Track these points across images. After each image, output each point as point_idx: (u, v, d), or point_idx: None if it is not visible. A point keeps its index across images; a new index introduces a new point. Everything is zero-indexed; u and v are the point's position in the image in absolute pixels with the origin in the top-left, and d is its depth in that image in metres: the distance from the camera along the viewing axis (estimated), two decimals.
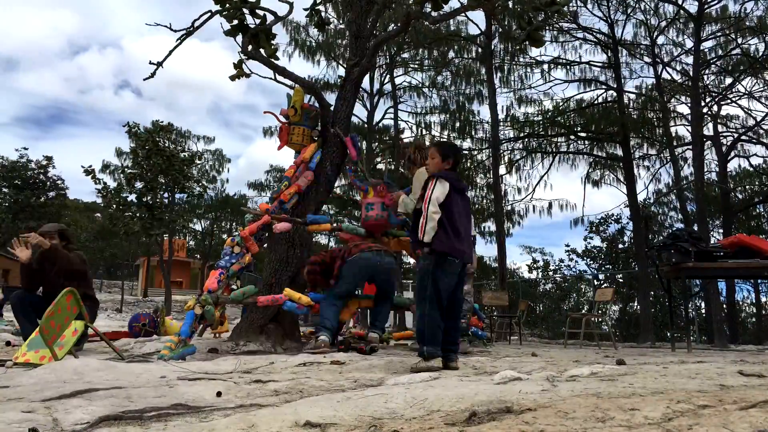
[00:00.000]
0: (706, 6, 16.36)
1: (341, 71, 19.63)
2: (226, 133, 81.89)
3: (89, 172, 19.32)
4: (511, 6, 14.15)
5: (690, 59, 17.29)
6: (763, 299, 22.98)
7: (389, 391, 2.23)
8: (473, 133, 20.27)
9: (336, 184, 8.12)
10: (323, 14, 7.66)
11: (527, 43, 5.66)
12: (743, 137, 18.71)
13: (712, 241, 10.05)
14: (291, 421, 1.81)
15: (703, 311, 18.83)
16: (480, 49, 18.64)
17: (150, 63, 6.18)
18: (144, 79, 6.21)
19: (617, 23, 18.03)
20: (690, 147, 17.51)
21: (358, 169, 6.33)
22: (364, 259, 5.24)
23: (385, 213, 5.73)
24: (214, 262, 7.64)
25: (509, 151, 18.97)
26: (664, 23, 17.92)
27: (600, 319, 10.35)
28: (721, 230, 20.14)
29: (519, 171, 19.38)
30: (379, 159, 20.71)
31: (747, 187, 20.77)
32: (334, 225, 5.86)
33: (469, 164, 19.95)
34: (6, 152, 41.35)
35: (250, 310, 5.71)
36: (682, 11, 17.17)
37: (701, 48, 16.77)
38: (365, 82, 20.32)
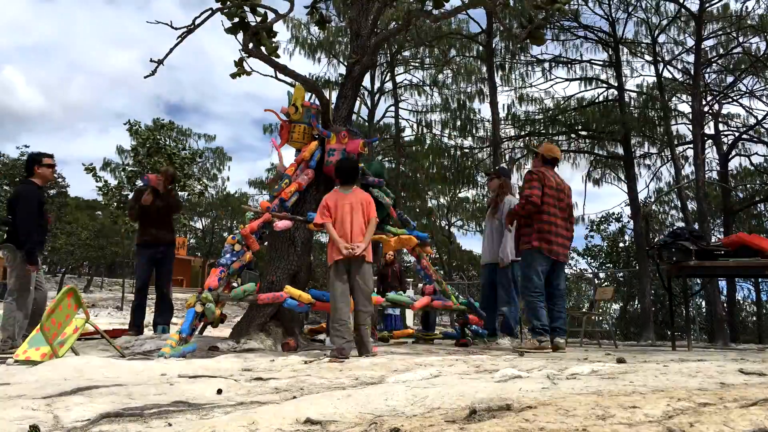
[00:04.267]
0: (707, 4, 16.32)
1: (342, 69, 19.62)
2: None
3: (90, 169, 19.32)
4: (512, 4, 14.13)
5: (691, 58, 17.25)
6: (764, 298, 22.97)
7: (390, 389, 2.23)
8: (474, 131, 20.31)
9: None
10: (324, 12, 7.65)
11: (528, 41, 5.65)
12: (744, 136, 18.70)
13: (712, 240, 10.04)
14: (292, 418, 1.81)
15: (704, 310, 18.84)
16: (481, 48, 18.62)
17: (151, 61, 6.15)
18: (145, 77, 6.19)
19: (618, 21, 18.01)
20: (691, 146, 17.48)
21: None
22: None
23: None
24: (214, 260, 7.60)
25: (510, 150, 18.96)
26: (665, 21, 17.89)
27: (600, 318, 10.35)
28: (721, 229, 20.13)
29: (520, 170, 19.39)
30: (380, 157, 20.70)
31: (748, 185, 20.75)
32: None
33: (469, 163, 19.96)
34: (6, 150, 41.34)
35: (250, 307, 5.72)
36: (683, 9, 17.13)
37: (702, 46, 16.73)
38: (366, 80, 20.31)
